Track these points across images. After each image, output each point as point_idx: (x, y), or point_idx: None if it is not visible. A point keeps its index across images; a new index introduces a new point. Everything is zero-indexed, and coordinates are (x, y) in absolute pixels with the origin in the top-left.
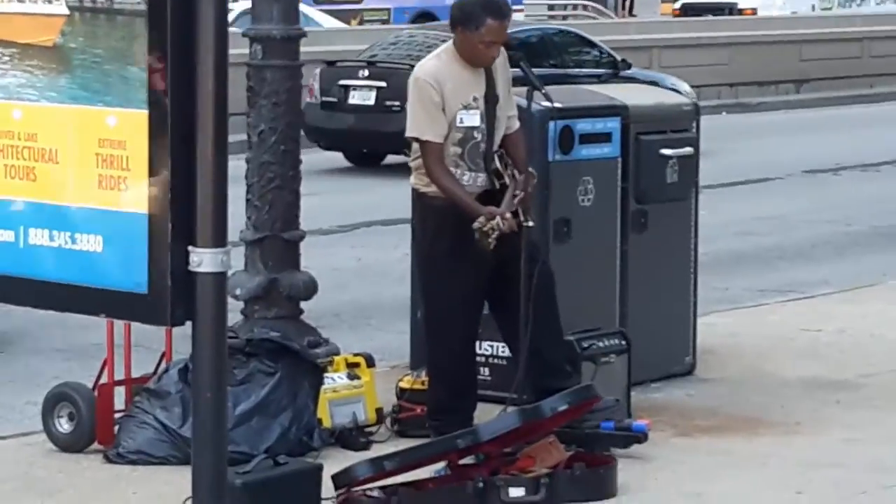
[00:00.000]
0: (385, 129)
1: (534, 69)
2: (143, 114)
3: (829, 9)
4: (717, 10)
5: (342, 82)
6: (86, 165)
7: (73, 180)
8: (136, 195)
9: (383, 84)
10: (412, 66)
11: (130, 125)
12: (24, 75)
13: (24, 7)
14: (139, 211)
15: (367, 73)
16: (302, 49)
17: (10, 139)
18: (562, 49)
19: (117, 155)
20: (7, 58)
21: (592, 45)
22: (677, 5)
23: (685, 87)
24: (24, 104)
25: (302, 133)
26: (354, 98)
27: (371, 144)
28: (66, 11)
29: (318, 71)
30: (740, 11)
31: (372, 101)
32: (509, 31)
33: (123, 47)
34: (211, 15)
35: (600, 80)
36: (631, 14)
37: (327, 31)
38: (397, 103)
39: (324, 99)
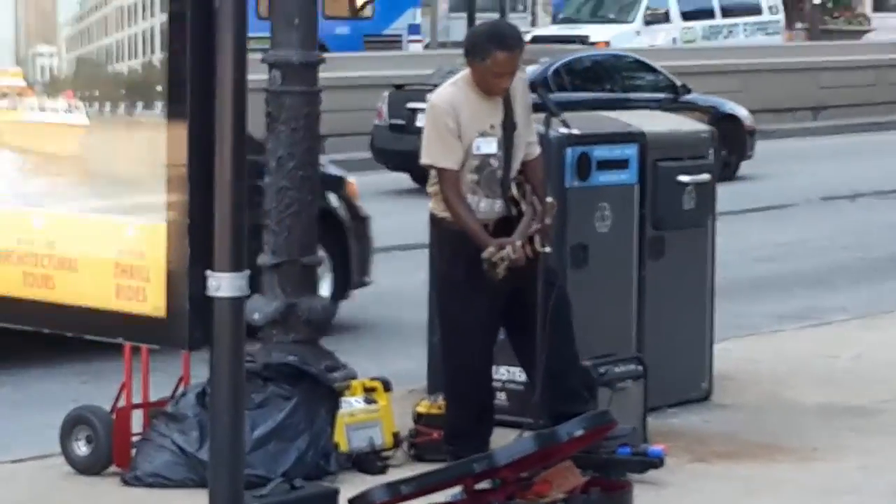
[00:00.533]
0: None
1: (592, 93)
2: (162, 226)
3: (693, 41)
4: (567, 41)
5: (410, 105)
6: (104, 275)
7: (92, 289)
8: (154, 304)
9: None
10: None
11: (150, 236)
12: (46, 183)
13: (45, 116)
14: (157, 315)
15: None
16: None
17: (30, 246)
18: (620, 73)
19: (137, 265)
20: (30, 166)
21: (652, 69)
22: (528, 38)
23: (743, 111)
24: (45, 211)
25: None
26: (420, 121)
27: None
28: (87, 122)
29: (386, 94)
30: (592, 44)
31: None
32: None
33: (143, 157)
34: (229, 42)
35: (660, 104)
36: None
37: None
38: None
39: (392, 121)
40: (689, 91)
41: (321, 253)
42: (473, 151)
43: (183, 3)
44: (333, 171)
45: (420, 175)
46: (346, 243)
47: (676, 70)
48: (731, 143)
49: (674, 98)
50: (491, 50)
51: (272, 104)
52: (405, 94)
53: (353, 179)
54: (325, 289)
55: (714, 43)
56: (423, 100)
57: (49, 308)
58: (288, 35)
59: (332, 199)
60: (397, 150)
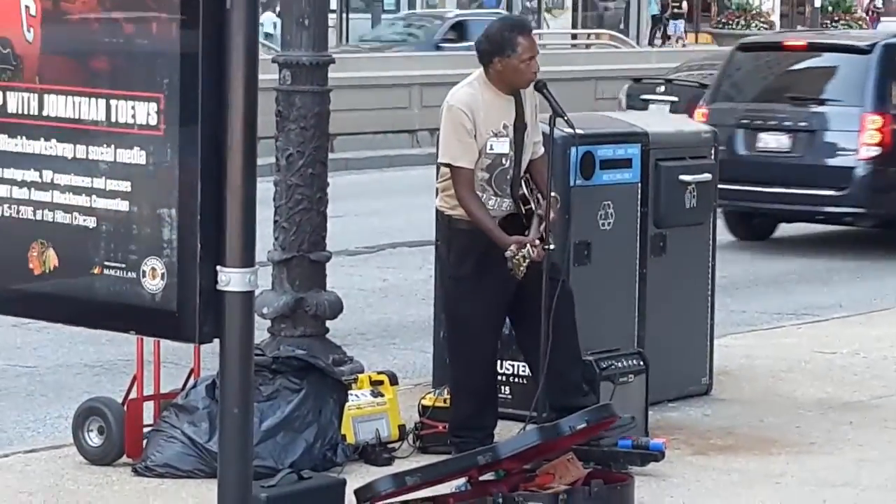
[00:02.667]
0: None
1: None
2: None
3: None
4: None
5: (644, 97)
6: None
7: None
8: None
9: (675, 99)
10: (701, 85)
11: None
12: None
13: None
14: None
15: (663, 89)
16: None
17: None
18: None
19: None
20: None
21: None
22: None
23: None
24: None
25: None
26: (653, 109)
27: None
28: None
29: (626, 86)
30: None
31: (667, 112)
32: None
33: None
34: (241, 43)
35: None
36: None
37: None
38: (686, 114)
39: (629, 110)
40: None
41: None
42: (487, 151)
43: (195, 6)
44: None
45: None
46: None
47: None
48: None
49: None
50: (515, 39)
51: (282, 103)
52: (641, 87)
53: None
54: None
55: None
56: (654, 91)
57: (66, 301)
58: (298, 35)
59: None
60: None
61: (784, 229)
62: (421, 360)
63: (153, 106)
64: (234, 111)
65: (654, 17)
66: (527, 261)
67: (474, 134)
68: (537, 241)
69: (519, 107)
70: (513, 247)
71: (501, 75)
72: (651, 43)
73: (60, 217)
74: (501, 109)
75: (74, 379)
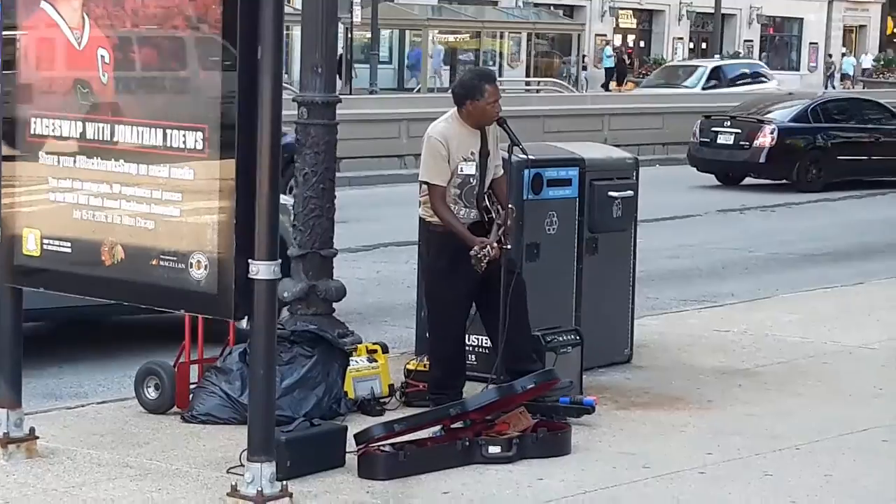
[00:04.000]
0: (739, 160)
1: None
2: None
3: None
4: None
5: (713, 129)
6: None
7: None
8: None
9: (738, 131)
10: (759, 121)
11: None
12: None
13: None
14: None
15: (728, 123)
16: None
17: None
18: (865, 112)
19: None
20: None
21: (885, 108)
22: None
23: None
24: None
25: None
26: (720, 139)
27: (731, 170)
28: None
29: (699, 121)
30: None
31: (731, 142)
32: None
33: None
34: (269, 86)
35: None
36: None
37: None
38: (746, 143)
39: (701, 139)
40: None
41: None
42: (458, 172)
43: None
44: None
45: (721, 176)
46: None
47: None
48: None
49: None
50: (483, 86)
51: (300, 133)
52: (711, 121)
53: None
54: None
55: None
56: (721, 125)
57: (128, 285)
58: (313, 81)
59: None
60: (706, 158)
61: (690, 233)
62: (406, 335)
63: (200, 134)
64: (263, 139)
65: (607, 69)
66: (486, 258)
67: (448, 159)
68: (496, 244)
69: (483, 138)
70: (476, 247)
71: (471, 114)
72: (607, 88)
73: (127, 221)
74: (470, 140)
75: (136, 346)
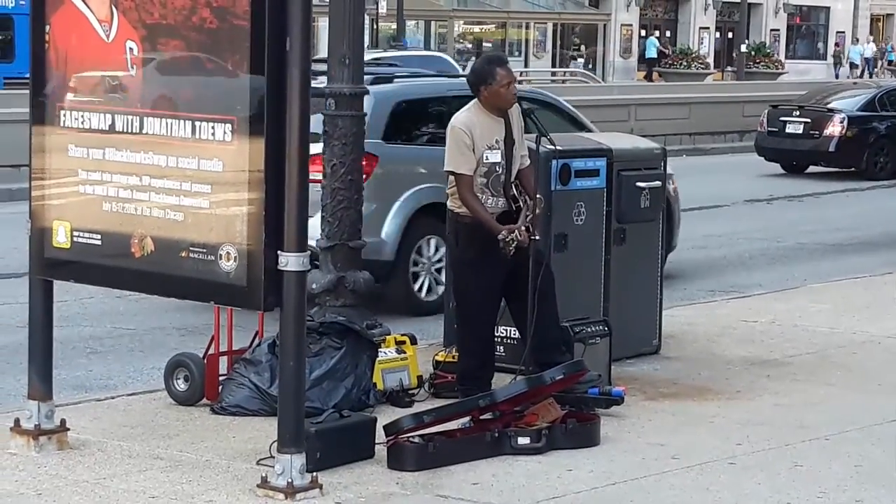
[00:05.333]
0: (806, 148)
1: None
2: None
3: None
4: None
5: (781, 118)
6: None
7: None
8: None
9: (808, 120)
10: (828, 111)
11: None
12: None
13: None
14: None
15: (797, 113)
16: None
17: None
18: None
19: None
20: None
21: None
22: None
23: None
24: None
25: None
26: (789, 129)
27: (798, 158)
28: None
29: (766, 111)
30: None
31: (800, 131)
32: None
33: None
34: (297, 76)
35: None
36: None
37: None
38: (816, 132)
39: (769, 129)
40: None
41: None
42: (483, 161)
43: (261, 48)
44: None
45: (787, 165)
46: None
47: None
48: None
49: None
50: (494, 70)
51: (328, 125)
52: (778, 111)
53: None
54: None
55: None
56: (791, 115)
57: (158, 277)
58: (340, 72)
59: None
60: (773, 147)
61: (718, 224)
62: (435, 325)
63: (228, 126)
64: (292, 130)
65: (649, 59)
66: (514, 243)
67: (472, 147)
68: (523, 229)
69: (508, 126)
70: (504, 232)
71: (488, 100)
72: (649, 79)
73: (156, 213)
74: (493, 128)
75: (166, 338)
